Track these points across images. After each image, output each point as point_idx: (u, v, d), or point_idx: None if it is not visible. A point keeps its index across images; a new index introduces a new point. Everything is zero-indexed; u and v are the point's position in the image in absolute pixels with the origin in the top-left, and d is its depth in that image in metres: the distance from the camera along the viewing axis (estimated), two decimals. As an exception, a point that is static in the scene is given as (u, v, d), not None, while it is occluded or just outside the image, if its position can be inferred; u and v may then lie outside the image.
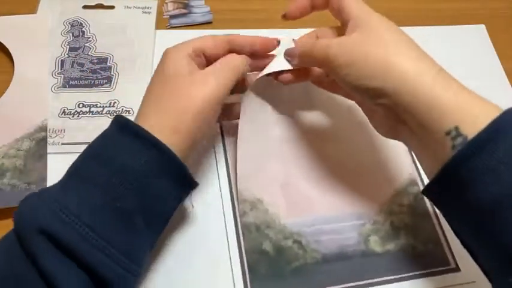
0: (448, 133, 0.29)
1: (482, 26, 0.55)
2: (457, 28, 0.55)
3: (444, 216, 0.33)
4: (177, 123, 0.33)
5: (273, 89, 0.43)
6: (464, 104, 0.29)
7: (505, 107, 0.52)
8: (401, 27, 0.54)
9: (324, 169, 0.43)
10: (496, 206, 0.27)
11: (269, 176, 0.42)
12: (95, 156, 0.32)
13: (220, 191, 0.42)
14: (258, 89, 0.42)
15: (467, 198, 0.29)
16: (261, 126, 0.43)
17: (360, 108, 0.39)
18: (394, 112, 0.33)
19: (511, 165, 0.27)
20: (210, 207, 0.41)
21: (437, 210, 0.41)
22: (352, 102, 0.42)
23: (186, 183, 0.34)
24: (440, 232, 0.41)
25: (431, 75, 0.31)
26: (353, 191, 0.42)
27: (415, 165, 0.44)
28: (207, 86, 0.34)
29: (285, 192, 0.41)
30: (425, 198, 0.42)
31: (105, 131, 0.34)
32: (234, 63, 0.37)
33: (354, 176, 0.43)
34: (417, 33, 0.54)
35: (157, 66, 0.37)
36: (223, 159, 0.43)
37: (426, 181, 0.42)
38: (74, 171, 0.32)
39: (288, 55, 0.39)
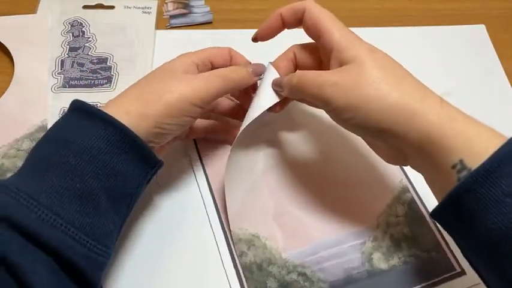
0: (453, 167, 0.29)
1: (482, 26, 0.55)
2: (457, 28, 0.55)
3: (453, 239, 0.33)
4: (146, 110, 0.33)
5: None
6: (469, 136, 0.29)
7: (504, 106, 0.53)
8: (401, 27, 0.54)
9: (314, 191, 0.42)
10: (501, 237, 0.27)
11: (260, 210, 0.41)
12: (50, 139, 0.32)
13: (214, 234, 0.40)
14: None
15: (472, 228, 0.29)
16: (245, 161, 0.42)
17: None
18: (402, 149, 0.33)
19: None
20: (206, 252, 0.39)
21: None
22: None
23: (149, 161, 0.34)
24: (440, 238, 0.41)
25: (437, 112, 0.31)
26: (347, 210, 0.41)
27: (403, 171, 0.44)
28: (190, 85, 0.35)
29: (280, 223, 0.40)
30: (419, 203, 0.42)
31: (61, 116, 0.34)
32: (224, 72, 0.37)
33: (346, 194, 0.42)
34: (417, 33, 0.54)
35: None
36: (212, 202, 0.41)
37: (417, 186, 0.43)
38: (30, 156, 0.32)
39: (276, 85, 0.39)
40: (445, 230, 0.33)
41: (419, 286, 0.38)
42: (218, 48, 0.40)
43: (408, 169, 0.42)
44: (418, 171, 0.34)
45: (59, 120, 0.34)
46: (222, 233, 0.40)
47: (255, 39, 0.41)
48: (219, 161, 0.43)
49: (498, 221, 0.27)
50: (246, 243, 0.39)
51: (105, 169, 0.31)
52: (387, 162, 0.37)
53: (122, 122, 0.32)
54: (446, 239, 0.40)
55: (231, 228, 0.39)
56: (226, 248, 0.39)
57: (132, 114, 0.33)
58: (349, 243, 0.40)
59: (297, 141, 0.45)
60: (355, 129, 0.34)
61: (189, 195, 0.42)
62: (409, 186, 0.43)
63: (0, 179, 0.31)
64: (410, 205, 0.42)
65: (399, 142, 0.32)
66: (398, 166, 0.44)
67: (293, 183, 0.42)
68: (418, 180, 0.43)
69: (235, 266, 0.38)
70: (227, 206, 0.39)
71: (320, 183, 0.43)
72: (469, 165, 0.28)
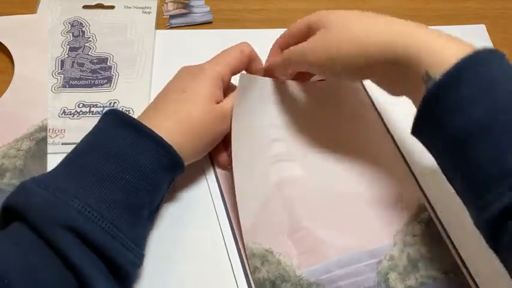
0: (422, 78, 0.31)
1: (482, 26, 0.55)
2: (457, 28, 0.55)
3: (428, 151, 0.34)
4: (186, 137, 0.37)
5: (262, 129, 0.43)
6: (434, 49, 0.31)
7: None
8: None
9: (331, 207, 0.41)
10: (465, 139, 0.29)
11: (275, 225, 0.40)
12: (98, 149, 0.34)
13: (227, 249, 0.39)
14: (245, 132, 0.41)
15: (441, 134, 0.31)
16: (258, 174, 0.41)
17: (362, 141, 0.44)
18: (387, 79, 0.36)
19: (477, 101, 0.29)
20: (218, 266, 0.38)
21: (451, 236, 0.40)
22: (347, 128, 0.44)
23: (177, 172, 0.37)
24: (458, 259, 0.39)
25: (399, 31, 0.33)
26: (364, 227, 0.40)
27: (421, 189, 0.43)
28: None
29: (294, 239, 0.39)
30: (436, 223, 0.41)
31: (104, 126, 0.36)
32: None
33: (362, 211, 0.41)
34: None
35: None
36: (225, 216, 0.41)
37: (435, 205, 0.42)
38: (83, 164, 0.33)
39: (267, 70, 0.44)
40: (426, 148, 0.34)
41: None
42: (240, 56, 0.42)
43: (426, 187, 0.43)
44: (407, 96, 0.36)
45: (101, 127, 0.36)
46: (236, 247, 0.39)
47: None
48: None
49: (461, 124, 0.29)
50: (260, 258, 0.38)
51: (154, 187, 0.35)
52: (393, 95, 0.38)
53: (169, 143, 0.35)
54: (464, 260, 0.39)
55: (245, 242, 0.38)
56: (240, 262, 0.38)
57: (174, 138, 0.36)
58: (365, 261, 0.38)
59: (314, 156, 0.44)
60: (346, 76, 0.38)
61: (203, 209, 0.41)
62: (427, 205, 0.42)
63: (38, 178, 0.32)
64: (428, 224, 0.41)
65: (380, 73, 0.36)
66: (416, 185, 0.43)
67: (311, 198, 0.41)
68: (436, 199, 0.42)
69: (247, 282, 0.37)
70: (240, 220, 0.39)
71: (337, 199, 0.42)
72: (433, 75, 0.30)
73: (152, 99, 0.40)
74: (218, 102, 0.39)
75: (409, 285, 0.38)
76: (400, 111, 0.47)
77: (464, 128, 0.29)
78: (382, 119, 0.47)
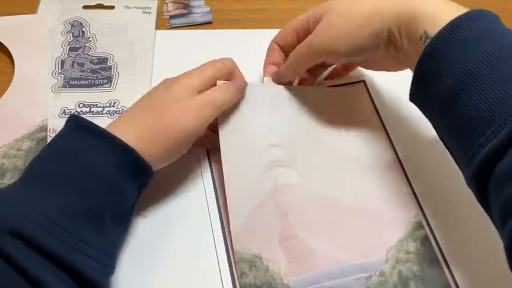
0: (420, 38, 0.33)
1: (482, 26, 0.55)
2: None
3: (426, 117, 0.35)
4: (153, 142, 0.36)
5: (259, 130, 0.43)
6: (432, 11, 0.33)
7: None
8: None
9: (325, 217, 0.40)
10: (456, 93, 0.30)
11: (266, 231, 0.39)
12: (61, 157, 0.33)
13: (216, 251, 0.39)
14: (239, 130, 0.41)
15: (434, 92, 0.32)
16: (252, 179, 0.41)
17: (363, 151, 0.43)
18: (391, 50, 0.37)
19: (465, 54, 0.30)
20: (206, 271, 0.38)
21: (446, 255, 0.39)
22: (348, 138, 0.44)
23: (145, 176, 0.36)
24: (452, 281, 0.38)
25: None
26: (356, 240, 0.39)
27: (420, 205, 0.42)
28: (188, 121, 0.37)
29: (285, 247, 0.39)
30: (432, 242, 0.40)
31: (64, 131, 0.35)
32: (215, 99, 0.39)
33: (356, 223, 0.40)
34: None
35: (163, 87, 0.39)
36: (218, 215, 0.41)
37: (432, 222, 0.41)
38: (39, 171, 0.33)
39: (277, 76, 0.44)
40: (422, 112, 0.35)
41: None
42: (222, 67, 0.41)
43: (425, 203, 0.41)
44: (408, 64, 0.36)
45: (66, 134, 0.35)
46: (225, 250, 0.39)
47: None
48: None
49: (452, 78, 0.30)
50: (248, 263, 0.38)
51: (113, 189, 0.34)
52: (394, 70, 0.40)
53: (131, 145, 0.34)
54: (458, 283, 0.38)
55: (234, 247, 0.38)
56: (227, 266, 0.38)
57: (140, 143, 0.35)
58: (354, 275, 0.38)
59: (312, 164, 0.43)
60: (352, 56, 0.38)
61: (195, 207, 0.41)
62: (424, 222, 0.41)
63: (7, 190, 0.32)
64: (423, 242, 0.40)
65: (383, 45, 0.37)
66: (414, 200, 0.42)
67: (304, 207, 0.41)
68: (434, 216, 0.41)
69: (233, 286, 0.37)
70: (230, 223, 0.39)
71: (331, 210, 0.41)
72: (430, 34, 0.32)
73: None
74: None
75: None
76: (404, 119, 0.46)
77: (454, 82, 0.30)
78: (384, 127, 0.46)
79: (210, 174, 0.43)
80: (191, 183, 0.42)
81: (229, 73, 0.41)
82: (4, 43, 0.50)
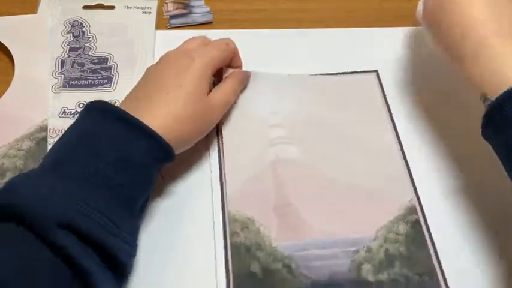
0: (480, 98, 0.36)
1: (482, 26, 0.55)
2: (457, 28, 0.55)
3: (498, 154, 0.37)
4: (176, 127, 0.38)
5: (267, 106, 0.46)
6: (492, 70, 0.35)
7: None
8: (401, 28, 0.54)
9: (320, 192, 0.42)
10: None
11: (261, 198, 0.41)
12: (100, 151, 0.34)
13: (213, 206, 0.41)
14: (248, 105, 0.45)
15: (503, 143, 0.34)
16: (253, 152, 0.44)
17: (360, 130, 0.45)
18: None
19: None
20: (200, 227, 0.40)
21: (435, 241, 0.40)
22: (352, 121, 0.46)
23: (168, 161, 0.38)
24: (436, 264, 0.39)
25: (470, 47, 0.37)
26: (349, 215, 0.41)
27: (416, 192, 0.43)
28: (216, 114, 0.43)
29: (278, 214, 0.40)
30: (423, 227, 0.41)
31: (96, 120, 0.35)
32: (233, 91, 0.45)
33: (350, 200, 0.42)
34: (417, 33, 0.54)
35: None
36: (218, 176, 0.43)
37: (426, 209, 0.41)
38: (77, 164, 0.33)
39: None
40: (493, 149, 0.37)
41: None
42: (226, 49, 0.44)
43: (420, 190, 0.42)
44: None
45: (89, 121, 0.36)
46: (221, 211, 0.41)
47: None
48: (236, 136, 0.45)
49: None
50: (241, 224, 0.40)
51: (147, 179, 0.36)
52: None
53: (162, 136, 0.35)
54: (443, 267, 0.39)
55: (228, 209, 0.40)
56: (222, 225, 0.40)
57: (166, 130, 0.36)
58: (342, 248, 0.39)
59: (312, 142, 0.45)
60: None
61: (199, 169, 0.43)
62: (418, 208, 0.42)
63: (28, 173, 0.33)
64: (414, 226, 0.41)
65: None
66: (411, 186, 0.43)
67: (301, 180, 0.43)
68: (428, 204, 0.42)
69: (225, 245, 0.39)
70: (227, 188, 0.41)
71: (328, 186, 0.42)
72: (489, 96, 0.34)
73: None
74: (207, 94, 0.41)
75: (380, 279, 0.38)
76: (413, 114, 0.47)
77: None
78: (390, 113, 0.47)
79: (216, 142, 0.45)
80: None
81: (233, 56, 0.45)
82: (4, 43, 0.50)
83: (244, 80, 0.46)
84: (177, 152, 0.38)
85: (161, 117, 0.37)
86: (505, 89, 0.33)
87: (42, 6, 0.53)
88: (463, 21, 0.38)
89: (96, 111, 0.36)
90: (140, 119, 0.35)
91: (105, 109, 0.36)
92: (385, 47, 0.52)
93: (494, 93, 0.34)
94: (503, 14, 0.37)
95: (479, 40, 0.36)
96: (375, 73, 0.50)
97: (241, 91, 0.46)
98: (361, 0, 0.57)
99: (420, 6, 0.44)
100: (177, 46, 0.44)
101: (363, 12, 0.56)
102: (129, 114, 0.35)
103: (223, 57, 0.43)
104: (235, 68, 0.46)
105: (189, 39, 0.45)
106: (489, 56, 0.36)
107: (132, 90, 0.41)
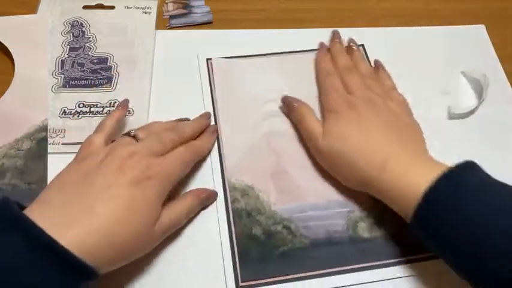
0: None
1: (482, 26, 0.55)
2: (457, 28, 0.55)
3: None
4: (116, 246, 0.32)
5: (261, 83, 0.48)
6: (399, 189, 0.36)
7: (504, 106, 0.52)
8: (401, 28, 0.54)
9: (316, 162, 0.44)
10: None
11: (259, 167, 0.44)
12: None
13: (213, 178, 0.43)
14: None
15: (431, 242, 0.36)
16: (247, 126, 0.46)
17: None
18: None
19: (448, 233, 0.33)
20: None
21: None
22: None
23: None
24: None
25: (377, 170, 0.38)
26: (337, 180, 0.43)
27: None
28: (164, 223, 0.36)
29: (275, 180, 0.43)
30: None
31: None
32: (192, 205, 0.40)
33: None
34: (417, 33, 0.54)
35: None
36: (217, 148, 0.45)
37: None
38: None
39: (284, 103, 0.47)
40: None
41: (399, 259, 0.39)
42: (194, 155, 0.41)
43: None
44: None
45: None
46: (221, 179, 0.43)
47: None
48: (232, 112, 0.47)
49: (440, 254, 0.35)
50: (241, 192, 0.42)
51: None
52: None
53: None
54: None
55: (228, 178, 0.43)
56: (223, 193, 0.42)
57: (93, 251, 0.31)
58: (337, 209, 0.42)
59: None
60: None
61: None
62: None
63: None
64: None
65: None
66: None
67: (296, 149, 0.45)
68: None
69: (227, 212, 0.41)
70: (225, 159, 0.43)
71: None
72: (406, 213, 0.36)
73: (151, 100, 0.39)
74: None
75: (375, 235, 0.40)
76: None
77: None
78: None
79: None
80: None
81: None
82: (4, 43, 0.50)
83: (205, 201, 0.41)
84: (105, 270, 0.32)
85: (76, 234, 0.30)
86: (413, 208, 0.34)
87: (42, 6, 0.53)
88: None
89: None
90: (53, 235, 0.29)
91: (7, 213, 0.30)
92: (385, 47, 0.52)
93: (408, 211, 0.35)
94: None
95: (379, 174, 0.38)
96: (360, 47, 0.52)
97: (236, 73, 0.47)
98: (361, 0, 0.57)
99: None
100: (177, 46, 0.44)
101: (362, 12, 0.56)
102: (39, 228, 0.29)
103: (185, 171, 0.39)
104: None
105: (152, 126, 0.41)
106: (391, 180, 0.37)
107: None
